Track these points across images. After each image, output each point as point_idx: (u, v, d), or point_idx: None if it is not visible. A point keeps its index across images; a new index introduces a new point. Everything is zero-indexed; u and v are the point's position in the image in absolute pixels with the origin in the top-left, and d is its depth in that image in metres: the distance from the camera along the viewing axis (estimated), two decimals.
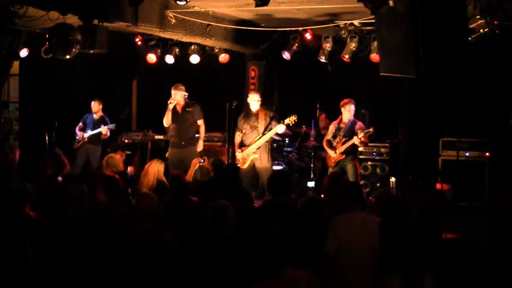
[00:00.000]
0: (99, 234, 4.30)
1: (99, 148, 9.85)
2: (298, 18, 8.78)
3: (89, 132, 9.81)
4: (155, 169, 6.65)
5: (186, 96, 8.52)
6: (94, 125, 9.84)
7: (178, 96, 8.46)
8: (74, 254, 4.17)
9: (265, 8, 6.73)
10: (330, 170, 8.33)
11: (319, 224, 4.74)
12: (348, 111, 8.27)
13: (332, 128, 8.49)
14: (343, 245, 4.48)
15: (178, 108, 8.53)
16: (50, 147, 10.01)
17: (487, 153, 8.36)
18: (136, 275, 4.03)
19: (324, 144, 8.56)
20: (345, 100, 8.32)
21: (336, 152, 8.29)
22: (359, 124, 8.28)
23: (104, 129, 9.69)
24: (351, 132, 8.22)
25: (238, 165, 8.34)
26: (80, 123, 9.97)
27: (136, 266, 4.03)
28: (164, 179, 6.68)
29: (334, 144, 8.36)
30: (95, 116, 9.92)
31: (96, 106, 9.90)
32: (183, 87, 8.51)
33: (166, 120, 8.56)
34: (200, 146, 8.60)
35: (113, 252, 4.11)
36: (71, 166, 9.33)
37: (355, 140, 8.06)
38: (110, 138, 10.11)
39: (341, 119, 8.39)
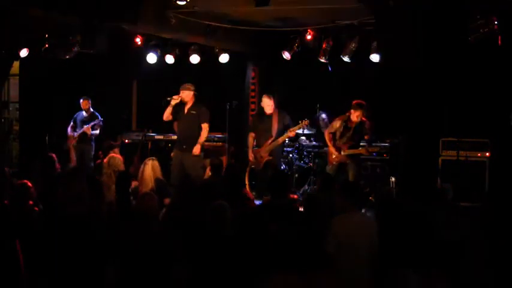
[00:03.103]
0: (100, 232, 4.31)
1: (89, 147, 9.86)
2: (298, 18, 8.78)
3: (78, 132, 9.84)
4: (150, 172, 6.57)
5: (194, 96, 8.23)
6: (84, 123, 9.86)
7: (184, 96, 8.18)
8: (73, 251, 4.18)
9: (265, 8, 6.74)
10: (329, 167, 8.27)
11: (318, 223, 4.74)
12: (356, 116, 7.93)
13: (338, 124, 8.12)
14: (342, 244, 4.49)
15: (185, 109, 8.28)
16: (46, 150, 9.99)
17: (487, 153, 8.37)
18: (138, 275, 4.04)
19: (327, 137, 8.27)
20: (354, 102, 7.98)
21: (340, 153, 8.12)
22: (368, 125, 8.04)
23: (86, 129, 9.72)
24: (359, 134, 8.07)
25: (253, 166, 8.53)
26: (72, 123, 9.99)
27: (138, 266, 4.04)
28: (161, 176, 6.66)
29: (340, 143, 8.12)
30: (85, 114, 9.94)
31: (84, 104, 9.89)
32: (189, 87, 8.22)
33: (165, 115, 8.35)
34: (197, 150, 8.09)
35: (114, 251, 4.12)
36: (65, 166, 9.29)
37: (364, 151, 8.04)
38: (106, 137, 10.09)
39: (349, 117, 8.03)
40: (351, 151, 8.08)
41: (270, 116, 8.47)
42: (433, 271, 3.82)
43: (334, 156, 8.22)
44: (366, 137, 8.25)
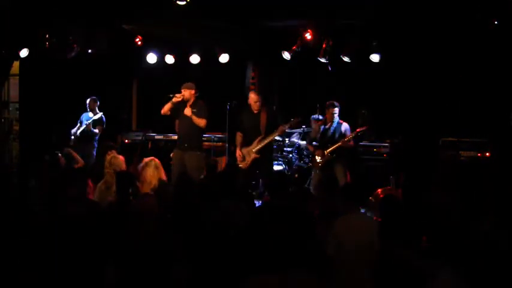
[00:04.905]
0: (99, 232, 4.31)
1: (90, 146, 9.81)
2: (298, 18, 8.77)
3: (79, 130, 9.80)
4: (151, 172, 6.52)
5: (195, 95, 8.25)
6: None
7: (186, 94, 8.19)
8: (73, 251, 4.18)
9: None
10: (316, 172, 8.37)
11: (318, 223, 4.74)
12: (332, 113, 8.33)
13: (317, 128, 8.53)
14: (343, 244, 4.49)
15: (187, 107, 8.28)
16: (51, 149, 9.97)
17: (487, 153, 8.37)
18: (138, 275, 4.04)
19: (308, 145, 8.67)
20: (328, 102, 8.40)
21: (325, 154, 8.31)
22: (345, 125, 8.36)
23: (87, 124, 9.69)
24: (339, 134, 8.30)
25: (240, 165, 8.32)
26: (78, 124, 9.98)
27: (138, 266, 4.04)
28: (164, 177, 6.64)
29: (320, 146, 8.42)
30: (90, 115, 9.91)
31: (91, 104, 9.89)
32: (190, 85, 8.24)
33: (163, 109, 8.31)
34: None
35: (114, 251, 4.12)
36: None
37: (342, 144, 8.17)
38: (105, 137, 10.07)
39: (325, 120, 8.45)
40: (333, 147, 8.26)
41: (258, 113, 8.28)
42: (433, 271, 3.82)
43: (319, 159, 8.33)
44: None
